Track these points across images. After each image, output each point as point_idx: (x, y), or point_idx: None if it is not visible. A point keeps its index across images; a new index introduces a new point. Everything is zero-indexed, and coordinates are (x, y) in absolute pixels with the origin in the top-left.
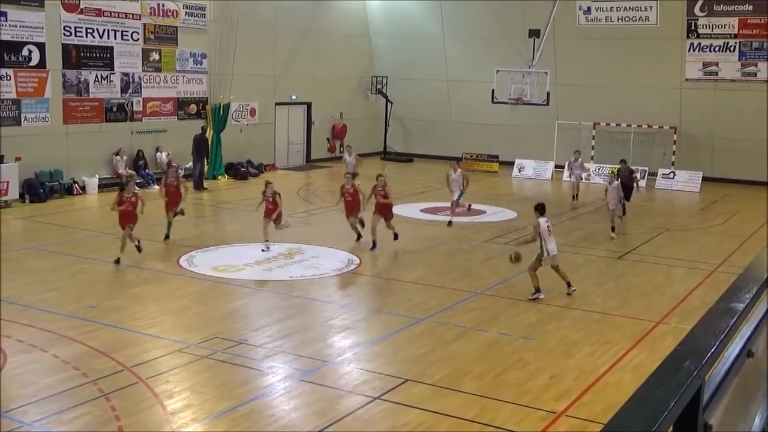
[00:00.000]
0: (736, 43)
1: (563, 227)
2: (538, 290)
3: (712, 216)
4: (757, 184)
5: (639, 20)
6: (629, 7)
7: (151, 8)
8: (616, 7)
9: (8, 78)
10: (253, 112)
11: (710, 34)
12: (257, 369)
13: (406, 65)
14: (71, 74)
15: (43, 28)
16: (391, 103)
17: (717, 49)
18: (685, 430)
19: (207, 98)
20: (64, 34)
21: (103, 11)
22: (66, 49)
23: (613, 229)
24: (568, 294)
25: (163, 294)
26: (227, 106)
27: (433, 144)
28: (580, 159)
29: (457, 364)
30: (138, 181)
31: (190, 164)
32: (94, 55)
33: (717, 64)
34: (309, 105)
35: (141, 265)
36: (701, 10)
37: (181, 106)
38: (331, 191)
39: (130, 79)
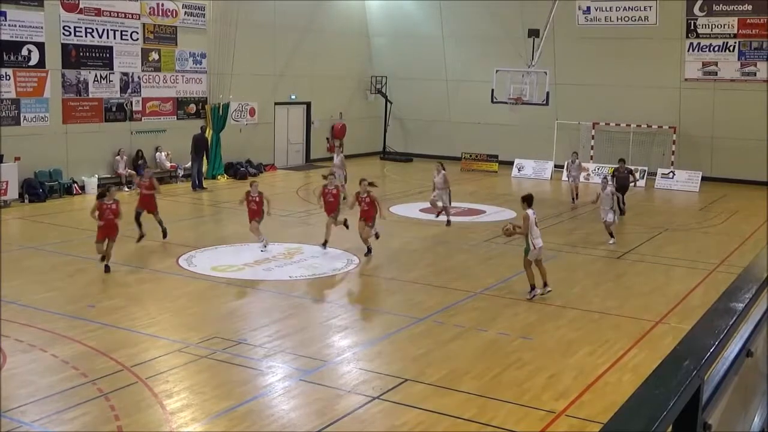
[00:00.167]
0: (735, 42)
1: (562, 227)
2: (533, 287)
3: (711, 216)
4: (757, 183)
5: (638, 20)
6: (628, 7)
7: (150, 8)
8: (616, 7)
9: (7, 78)
10: (252, 112)
11: (710, 34)
12: (256, 369)
13: (405, 65)
14: (70, 74)
15: (42, 27)
16: (391, 102)
17: (716, 48)
18: (685, 430)
19: (206, 98)
20: (63, 33)
21: (103, 11)
22: (65, 48)
23: (611, 235)
24: (542, 294)
25: (163, 294)
26: (227, 106)
27: (432, 144)
28: (577, 160)
29: (456, 364)
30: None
31: (189, 164)
32: (93, 54)
33: (716, 64)
34: (308, 105)
35: (140, 264)
36: (701, 9)
37: (180, 105)
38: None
39: (130, 79)
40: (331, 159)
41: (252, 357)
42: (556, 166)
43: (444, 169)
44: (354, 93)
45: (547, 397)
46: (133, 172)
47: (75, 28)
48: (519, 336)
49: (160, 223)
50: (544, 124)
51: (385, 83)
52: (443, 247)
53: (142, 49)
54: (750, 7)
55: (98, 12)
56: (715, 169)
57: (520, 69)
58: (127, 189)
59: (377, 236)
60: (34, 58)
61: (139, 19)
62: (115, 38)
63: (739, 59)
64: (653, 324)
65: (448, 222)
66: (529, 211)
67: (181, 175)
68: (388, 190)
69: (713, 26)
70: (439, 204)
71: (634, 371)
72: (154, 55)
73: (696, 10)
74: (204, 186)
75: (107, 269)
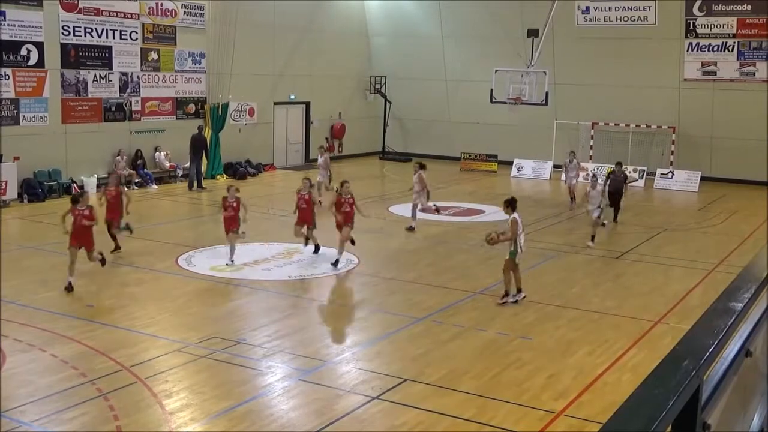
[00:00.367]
0: (734, 42)
1: (562, 227)
2: (507, 294)
3: (710, 216)
4: (756, 183)
5: (637, 20)
6: (628, 7)
7: (149, 8)
8: (615, 7)
9: (7, 77)
10: (251, 112)
11: (709, 34)
12: (256, 369)
13: (404, 65)
14: (70, 74)
15: (41, 27)
16: (390, 102)
17: (715, 48)
18: (684, 430)
19: (206, 98)
20: (62, 33)
21: (102, 11)
22: (64, 48)
23: (592, 238)
24: (515, 301)
25: (162, 294)
26: (226, 106)
27: (431, 144)
28: (575, 160)
29: (456, 364)
30: (134, 181)
31: (188, 164)
32: (92, 54)
33: (715, 64)
34: (308, 105)
35: (140, 264)
36: (700, 9)
37: (179, 105)
38: (329, 189)
39: (129, 79)
40: (330, 159)
41: (251, 357)
42: (555, 166)
43: (421, 169)
44: (353, 93)
45: (547, 397)
46: (133, 171)
47: (74, 27)
48: (518, 336)
49: (114, 238)
50: (544, 124)
51: (385, 83)
52: (443, 247)
53: (141, 48)
54: (749, 7)
55: (97, 12)
56: (714, 169)
57: (520, 69)
58: (126, 189)
59: (353, 242)
60: (33, 58)
61: (138, 18)
62: (114, 38)
63: (738, 59)
64: (652, 324)
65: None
66: (516, 215)
67: (180, 174)
68: (388, 190)
69: (712, 26)
70: (430, 204)
71: (633, 371)
72: (154, 55)
73: (695, 10)
74: (203, 186)
75: (102, 262)
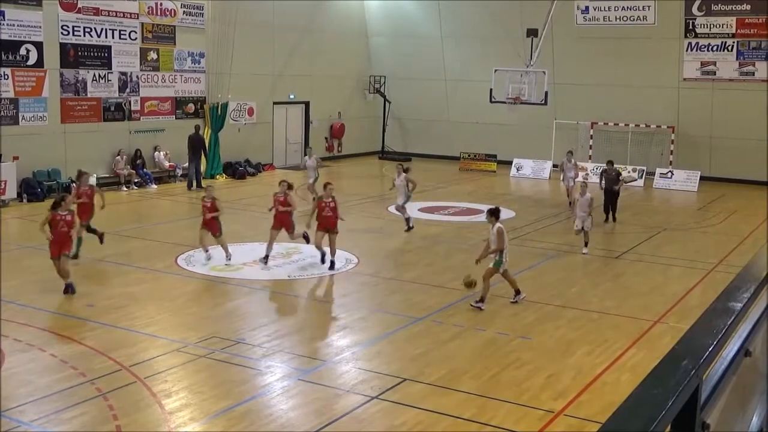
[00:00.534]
0: (734, 42)
1: (561, 227)
2: (483, 300)
3: (709, 215)
4: (755, 183)
5: (637, 20)
6: (627, 7)
7: (149, 7)
8: (614, 7)
9: (6, 77)
10: (251, 112)
11: (708, 34)
12: (255, 368)
13: (404, 65)
14: (69, 73)
15: (40, 27)
16: (389, 102)
17: (715, 48)
18: (683, 430)
19: (205, 97)
20: (61, 33)
21: (101, 10)
22: (64, 48)
23: (585, 245)
24: (480, 308)
25: (161, 293)
26: (225, 106)
27: (431, 143)
28: (573, 160)
29: (455, 364)
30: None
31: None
32: (91, 54)
33: (715, 64)
34: (307, 104)
35: (139, 264)
36: (699, 9)
37: (179, 105)
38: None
39: (128, 79)
40: (330, 159)
41: (250, 356)
42: (554, 166)
43: (405, 171)
44: (353, 93)
45: (546, 397)
46: (133, 171)
47: (73, 27)
48: (518, 336)
49: (94, 231)
50: (543, 124)
51: (384, 83)
52: (442, 246)
53: (140, 48)
54: (748, 7)
55: (96, 11)
56: (714, 168)
57: (519, 69)
58: (125, 189)
59: (307, 240)
60: (33, 58)
61: (137, 18)
62: (113, 38)
63: (737, 59)
64: (652, 324)
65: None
66: (500, 225)
67: (179, 174)
68: (387, 190)
69: (712, 26)
70: (405, 206)
71: (632, 371)
72: (153, 55)
73: (694, 10)
74: (203, 185)
75: (70, 290)
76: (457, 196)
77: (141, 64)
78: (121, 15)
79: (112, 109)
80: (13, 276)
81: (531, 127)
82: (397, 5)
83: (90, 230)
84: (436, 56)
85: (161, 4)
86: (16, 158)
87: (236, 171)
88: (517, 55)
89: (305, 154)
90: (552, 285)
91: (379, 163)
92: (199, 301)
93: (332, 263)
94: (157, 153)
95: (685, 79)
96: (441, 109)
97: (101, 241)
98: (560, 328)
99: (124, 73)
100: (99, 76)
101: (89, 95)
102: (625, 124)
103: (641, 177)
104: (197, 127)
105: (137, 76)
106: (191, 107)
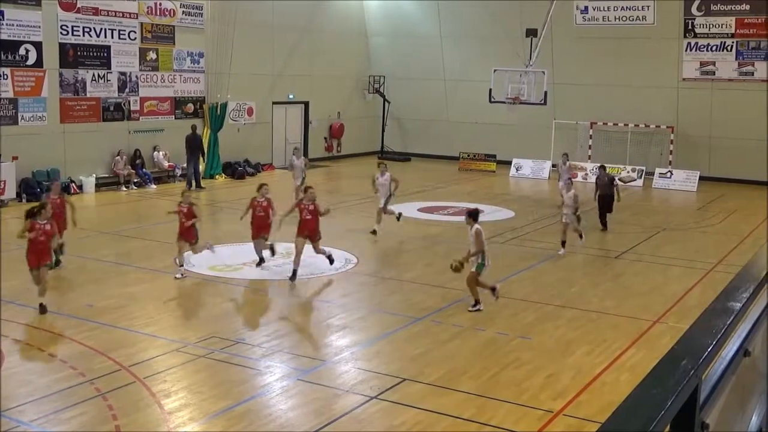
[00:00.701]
0: (733, 42)
1: (560, 227)
2: (478, 302)
3: (709, 215)
4: (755, 183)
5: (636, 20)
6: (626, 7)
7: (148, 7)
8: (613, 7)
9: (5, 77)
10: (250, 112)
11: (707, 34)
12: (254, 368)
13: (403, 65)
14: (68, 73)
15: (40, 27)
16: (389, 102)
17: (714, 48)
18: (683, 429)
19: (204, 97)
20: (61, 33)
21: (100, 10)
22: (63, 48)
23: (563, 244)
24: (479, 309)
25: (161, 293)
26: (224, 106)
27: (430, 143)
28: (568, 162)
29: (455, 364)
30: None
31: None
32: (91, 54)
33: (714, 64)
34: (306, 104)
35: (138, 264)
36: (698, 9)
37: (178, 105)
38: (328, 191)
39: (128, 79)
40: (329, 159)
41: (250, 356)
42: (553, 166)
43: (388, 170)
44: (352, 92)
45: (545, 397)
46: (132, 171)
47: (72, 27)
48: (517, 336)
49: (55, 251)
50: (542, 124)
51: (383, 83)
52: (441, 246)
53: (139, 48)
54: (747, 7)
55: (96, 11)
56: (713, 168)
57: (518, 69)
58: (125, 189)
59: (272, 252)
60: (32, 58)
61: (136, 18)
62: (112, 37)
63: (736, 59)
64: (651, 323)
65: (374, 231)
66: (479, 226)
67: (179, 174)
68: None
69: (711, 26)
70: (389, 208)
71: (631, 371)
72: (152, 55)
73: (694, 10)
74: (202, 185)
75: (42, 310)
76: (456, 196)
77: (140, 64)
78: (121, 15)
79: (112, 109)
80: (13, 276)
81: (530, 127)
82: (396, 5)
83: (55, 250)
84: (435, 56)
85: (160, 4)
86: (15, 158)
87: (235, 171)
88: (517, 55)
89: (293, 154)
90: (551, 285)
91: (379, 163)
92: (199, 301)
93: (330, 259)
94: (156, 153)
95: (684, 79)
96: (440, 109)
97: (54, 263)
98: (560, 328)
99: (123, 73)
100: (98, 76)
101: (88, 95)
102: (625, 124)
103: (640, 177)
104: (194, 127)
105: (136, 76)
106: (190, 107)
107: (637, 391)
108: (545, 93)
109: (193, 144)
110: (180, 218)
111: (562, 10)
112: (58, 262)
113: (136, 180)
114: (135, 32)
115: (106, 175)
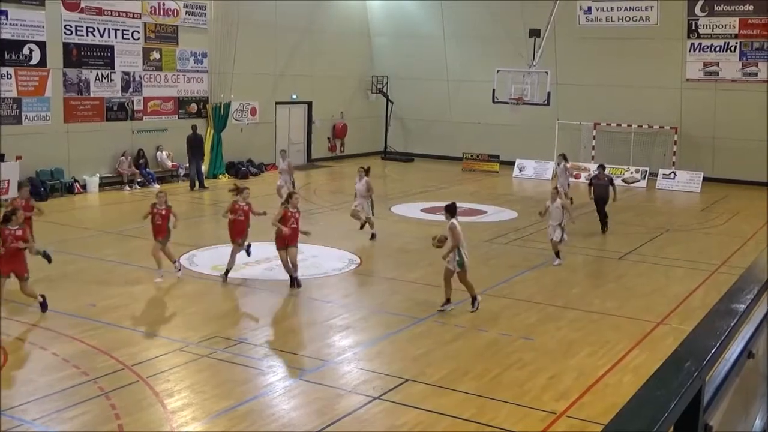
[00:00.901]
0: (736, 43)
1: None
2: (449, 301)
3: (712, 216)
4: (758, 184)
5: (639, 20)
6: (630, 7)
7: (151, 7)
8: (617, 7)
9: (9, 77)
10: (253, 112)
11: (711, 34)
12: (257, 368)
13: (406, 65)
14: (72, 73)
15: (43, 27)
16: (392, 102)
17: (718, 49)
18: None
19: (207, 97)
20: (64, 32)
21: (104, 10)
22: (67, 48)
23: (557, 254)
24: (444, 310)
25: (163, 293)
26: (228, 106)
27: (433, 144)
28: (563, 163)
29: (457, 364)
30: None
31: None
32: (94, 54)
33: (718, 65)
34: (309, 104)
35: (141, 264)
36: (702, 10)
37: (181, 105)
38: (331, 191)
39: (131, 78)
40: (332, 159)
41: (252, 356)
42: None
43: (367, 175)
44: (355, 93)
45: (548, 398)
46: (136, 171)
47: (76, 27)
48: (520, 336)
49: (39, 252)
50: (546, 125)
51: (386, 83)
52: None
53: (143, 48)
54: (751, 8)
55: (99, 11)
56: (717, 169)
57: (521, 69)
58: (128, 188)
59: (248, 253)
60: (36, 57)
61: (140, 18)
62: (116, 37)
63: (740, 59)
64: (654, 325)
65: (373, 236)
66: (454, 221)
67: (182, 174)
68: (389, 190)
69: (714, 26)
70: (362, 216)
71: (634, 372)
72: (156, 55)
73: (697, 11)
74: (205, 185)
75: (44, 307)
76: (459, 197)
77: (144, 64)
78: (124, 15)
79: (115, 108)
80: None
81: (533, 127)
82: (399, 5)
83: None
84: (438, 56)
85: (164, 4)
86: (19, 158)
87: (239, 171)
88: (520, 56)
89: (280, 156)
90: (554, 286)
91: (382, 163)
92: (201, 300)
93: (294, 280)
94: (159, 153)
95: (687, 80)
96: (443, 110)
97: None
98: (562, 329)
99: (126, 73)
100: (102, 75)
101: (92, 95)
102: (628, 125)
103: (644, 178)
104: (194, 127)
105: (140, 76)
106: (194, 107)
107: (640, 393)
108: (548, 93)
109: (194, 144)
110: (155, 220)
111: (566, 10)
112: (48, 257)
113: (139, 180)
114: (138, 32)
115: (110, 175)
